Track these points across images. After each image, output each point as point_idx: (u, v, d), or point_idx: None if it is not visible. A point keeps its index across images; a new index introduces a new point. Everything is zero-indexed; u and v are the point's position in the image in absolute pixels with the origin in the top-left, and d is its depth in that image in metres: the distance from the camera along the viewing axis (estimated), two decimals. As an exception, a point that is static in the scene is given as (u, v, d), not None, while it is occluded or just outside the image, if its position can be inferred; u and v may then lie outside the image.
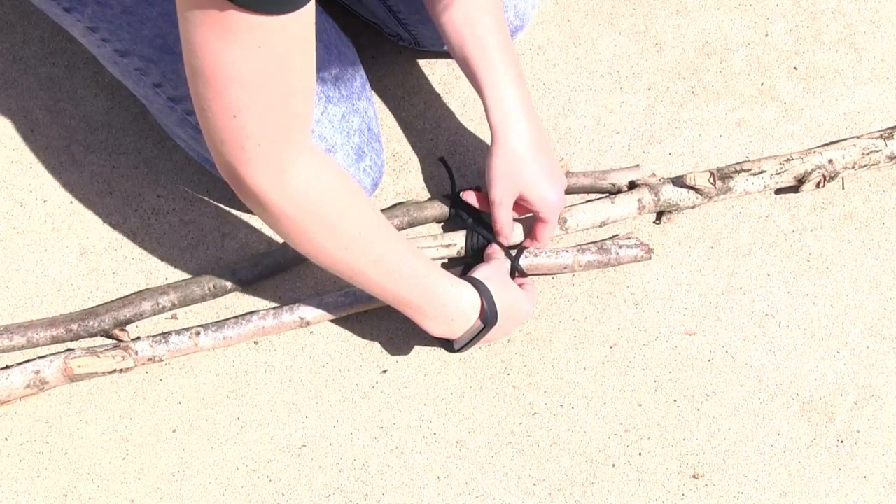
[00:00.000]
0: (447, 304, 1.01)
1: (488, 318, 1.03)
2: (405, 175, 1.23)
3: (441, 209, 1.18)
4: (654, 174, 1.19)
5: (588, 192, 1.21)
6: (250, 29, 0.71)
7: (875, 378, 1.18)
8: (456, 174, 1.21)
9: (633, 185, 1.19)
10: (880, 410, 1.18)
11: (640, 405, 1.17)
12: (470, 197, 1.15)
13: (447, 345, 1.06)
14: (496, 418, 1.16)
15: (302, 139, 0.81)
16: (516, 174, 1.07)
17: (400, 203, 1.19)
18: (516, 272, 1.14)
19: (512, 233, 1.13)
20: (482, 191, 1.15)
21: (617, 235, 1.19)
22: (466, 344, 1.05)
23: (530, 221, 1.14)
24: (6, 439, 1.14)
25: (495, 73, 1.05)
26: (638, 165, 1.21)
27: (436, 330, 1.03)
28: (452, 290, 1.01)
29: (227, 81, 0.74)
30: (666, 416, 1.17)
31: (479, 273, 1.06)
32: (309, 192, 0.84)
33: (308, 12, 0.74)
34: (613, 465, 1.15)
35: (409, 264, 0.97)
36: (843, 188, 1.23)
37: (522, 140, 1.06)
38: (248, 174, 0.80)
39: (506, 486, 1.14)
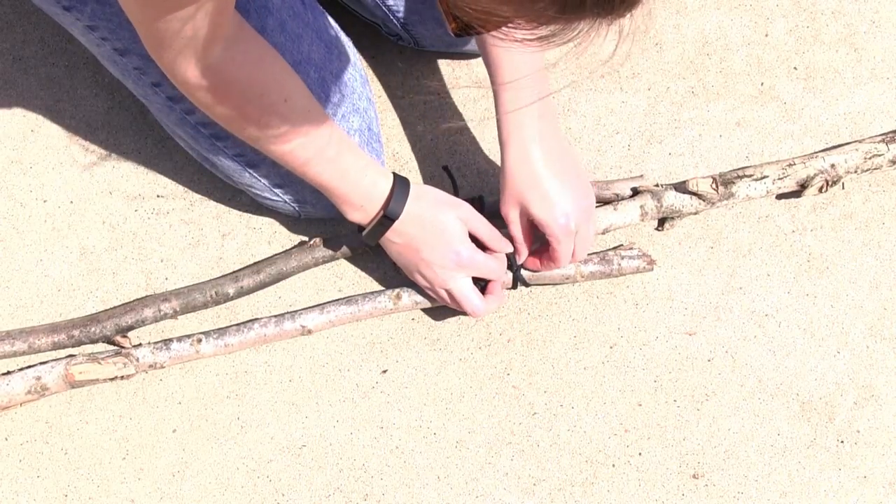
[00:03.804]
0: (358, 186, 1.02)
1: (390, 212, 1.03)
2: (405, 175, 1.22)
3: None
4: (658, 184, 1.19)
5: None
6: None
7: (875, 378, 1.18)
8: (456, 175, 1.21)
9: (635, 192, 1.19)
10: (880, 410, 1.18)
11: (640, 405, 1.17)
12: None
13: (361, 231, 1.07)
14: (496, 418, 1.16)
15: (210, 43, 0.87)
16: (522, 192, 1.05)
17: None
18: (518, 283, 1.13)
19: (526, 249, 1.11)
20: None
21: (620, 245, 1.19)
22: (370, 234, 1.05)
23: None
24: (6, 439, 1.14)
25: (516, 94, 1.04)
26: (642, 175, 1.21)
27: (350, 214, 1.04)
28: (364, 177, 1.02)
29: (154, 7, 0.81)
30: (666, 416, 1.17)
31: (418, 183, 1.08)
32: (208, 80, 0.91)
33: None
34: (613, 465, 1.15)
35: (319, 145, 0.99)
36: (843, 188, 1.23)
37: (531, 157, 1.05)
38: (166, 62, 0.90)
39: (506, 486, 1.14)
